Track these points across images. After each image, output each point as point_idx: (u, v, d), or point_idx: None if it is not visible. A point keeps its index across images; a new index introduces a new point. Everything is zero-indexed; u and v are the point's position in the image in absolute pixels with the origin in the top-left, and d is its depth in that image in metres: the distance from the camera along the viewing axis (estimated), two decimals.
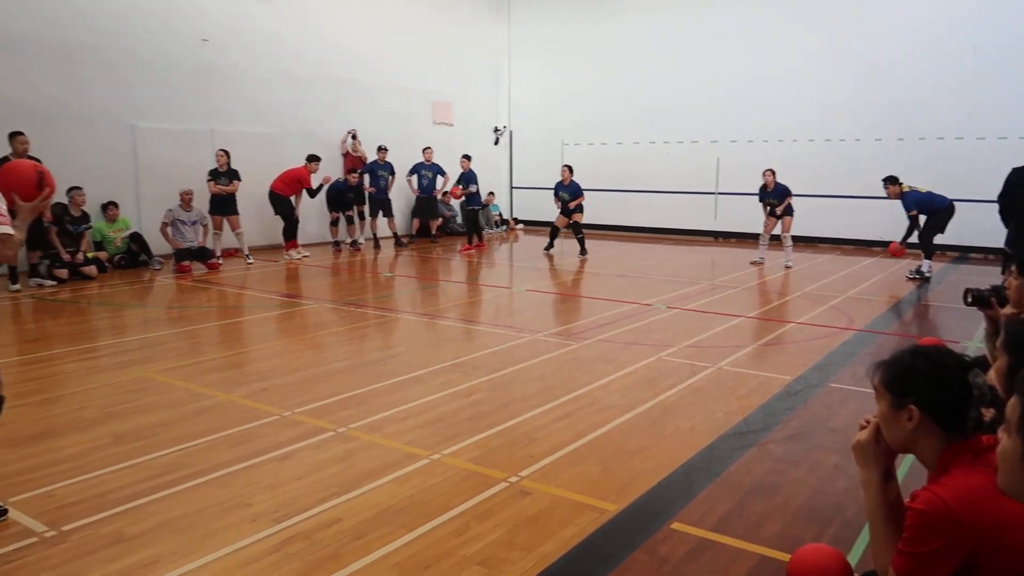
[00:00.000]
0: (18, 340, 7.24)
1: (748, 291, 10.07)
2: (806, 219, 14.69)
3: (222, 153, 11.82)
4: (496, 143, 19.23)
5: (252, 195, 12.65)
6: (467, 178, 14.48)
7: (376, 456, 4.18)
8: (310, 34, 14.18)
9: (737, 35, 15.85)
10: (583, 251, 13.54)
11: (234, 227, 11.93)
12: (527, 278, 11.26)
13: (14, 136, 9.02)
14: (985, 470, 1.78)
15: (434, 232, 15.61)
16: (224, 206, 11.80)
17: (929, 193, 10.78)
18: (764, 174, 12.19)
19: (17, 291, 9.15)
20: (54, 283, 9.69)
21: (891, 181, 10.85)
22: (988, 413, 1.90)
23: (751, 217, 14.01)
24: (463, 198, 15.37)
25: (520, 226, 18.99)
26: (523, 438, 4.46)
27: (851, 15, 14.64)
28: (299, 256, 12.61)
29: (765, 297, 9.75)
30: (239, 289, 9.91)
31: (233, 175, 11.82)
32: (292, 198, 12.66)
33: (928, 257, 10.78)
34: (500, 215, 18.51)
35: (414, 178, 14.89)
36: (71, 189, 10.28)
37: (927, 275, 10.66)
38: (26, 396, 5.32)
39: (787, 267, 11.95)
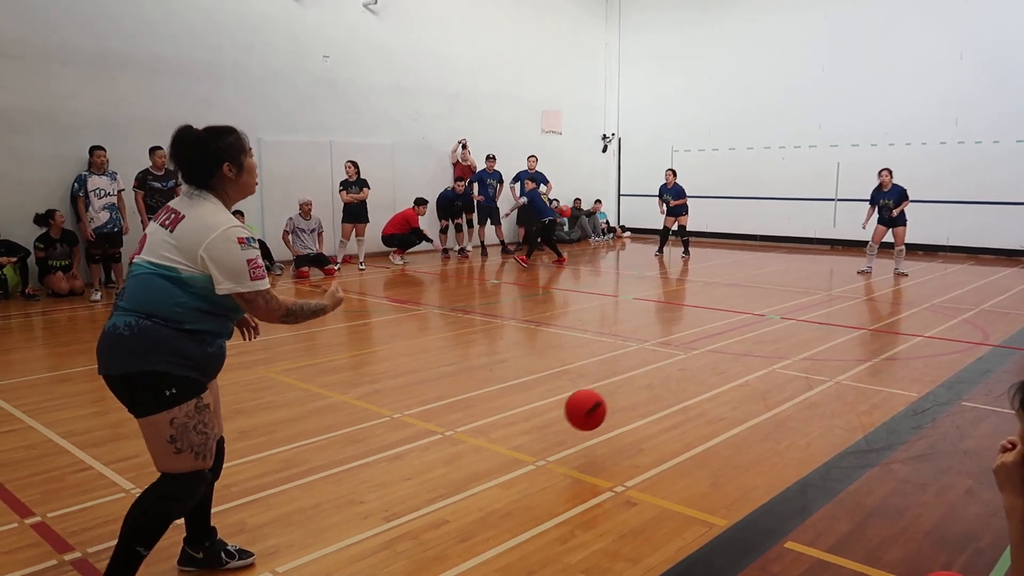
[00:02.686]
0: None
1: (869, 302, 9.57)
2: (936, 226, 13.88)
3: (350, 164, 12.32)
4: (604, 150, 19.15)
5: (371, 206, 13.06)
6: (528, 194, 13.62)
7: (482, 460, 4.23)
8: (422, 48, 14.59)
9: (856, 31, 15.15)
10: (686, 251, 14.09)
11: (359, 234, 12.42)
12: (634, 286, 11.13)
13: (94, 150, 9.62)
14: None
15: (539, 240, 15.66)
16: (356, 215, 12.27)
17: None
18: (880, 174, 11.56)
19: None
20: None
21: None
22: None
23: (874, 224, 13.36)
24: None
25: (628, 234, 18.81)
26: (629, 448, 4.40)
27: (980, 4, 13.72)
28: (401, 262, 13.09)
29: (888, 309, 9.24)
30: (353, 294, 10.29)
31: (363, 184, 12.31)
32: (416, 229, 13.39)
33: None
34: (607, 223, 18.39)
35: (517, 186, 15.01)
36: None
37: None
38: None
39: (902, 274, 11.31)
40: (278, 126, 12.66)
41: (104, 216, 9.54)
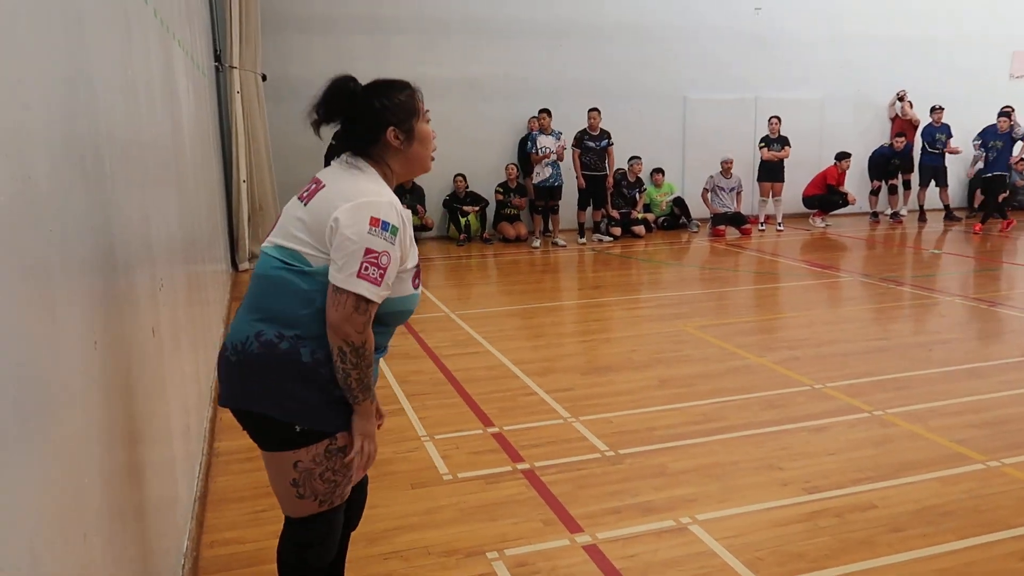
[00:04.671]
0: (582, 286, 8.57)
1: None
2: None
3: (775, 120, 12.00)
4: None
5: (796, 164, 12.47)
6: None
7: (917, 448, 3.84)
8: None
9: None
10: None
11: (776, 193, 12.05)
12: None
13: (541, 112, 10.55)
14: None
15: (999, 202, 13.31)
16: (772, 173, 11.99)
17: None
18: None
19: (583, 244, 10.81)
20: (611, 239, 11.13)
21: None
22: None
23: None
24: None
25: None
26: None
27: None
28: (822, 225, 12.35)
29: None
30: (770, 255, 9.99)
31: (784, 142, 11.93)
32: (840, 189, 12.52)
33: None
34: None
35: (977, 143, 12.84)
36: (632, 159, 11.58)
37: None
38: (590, 334, 6.31)
39: None
40: (703, 83, 12.69)
41: (547, 172, 10.62)
